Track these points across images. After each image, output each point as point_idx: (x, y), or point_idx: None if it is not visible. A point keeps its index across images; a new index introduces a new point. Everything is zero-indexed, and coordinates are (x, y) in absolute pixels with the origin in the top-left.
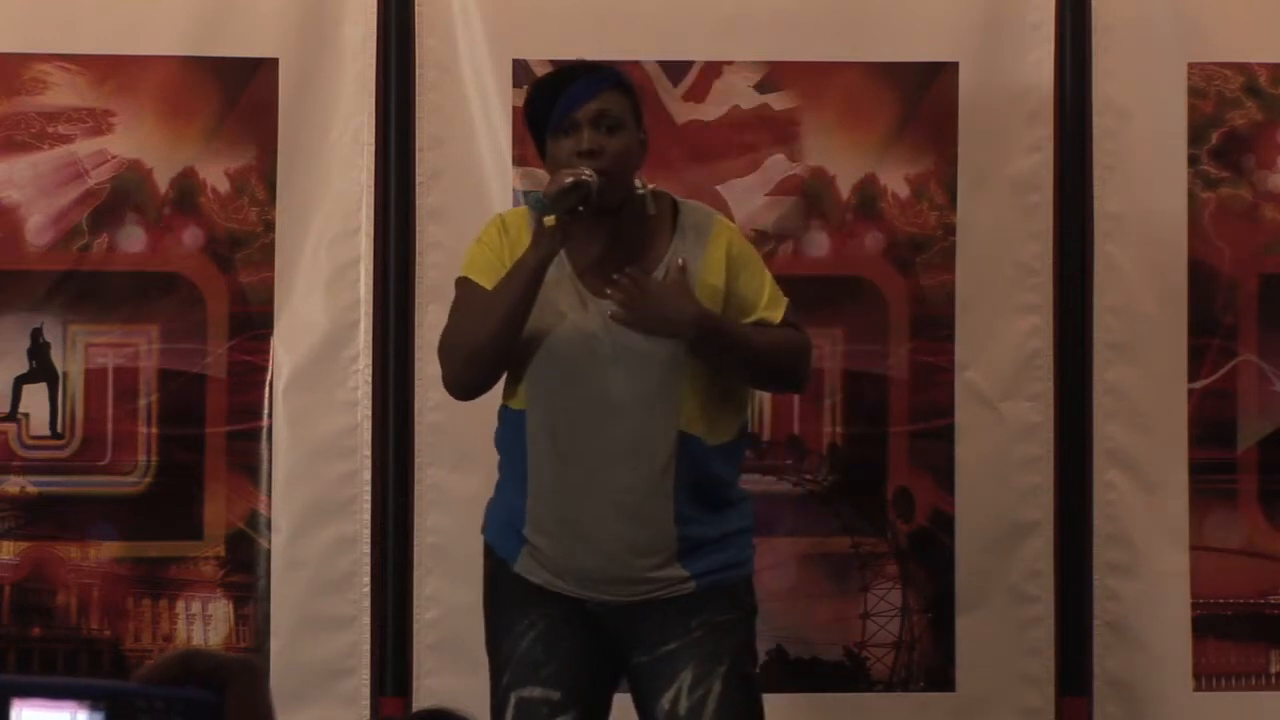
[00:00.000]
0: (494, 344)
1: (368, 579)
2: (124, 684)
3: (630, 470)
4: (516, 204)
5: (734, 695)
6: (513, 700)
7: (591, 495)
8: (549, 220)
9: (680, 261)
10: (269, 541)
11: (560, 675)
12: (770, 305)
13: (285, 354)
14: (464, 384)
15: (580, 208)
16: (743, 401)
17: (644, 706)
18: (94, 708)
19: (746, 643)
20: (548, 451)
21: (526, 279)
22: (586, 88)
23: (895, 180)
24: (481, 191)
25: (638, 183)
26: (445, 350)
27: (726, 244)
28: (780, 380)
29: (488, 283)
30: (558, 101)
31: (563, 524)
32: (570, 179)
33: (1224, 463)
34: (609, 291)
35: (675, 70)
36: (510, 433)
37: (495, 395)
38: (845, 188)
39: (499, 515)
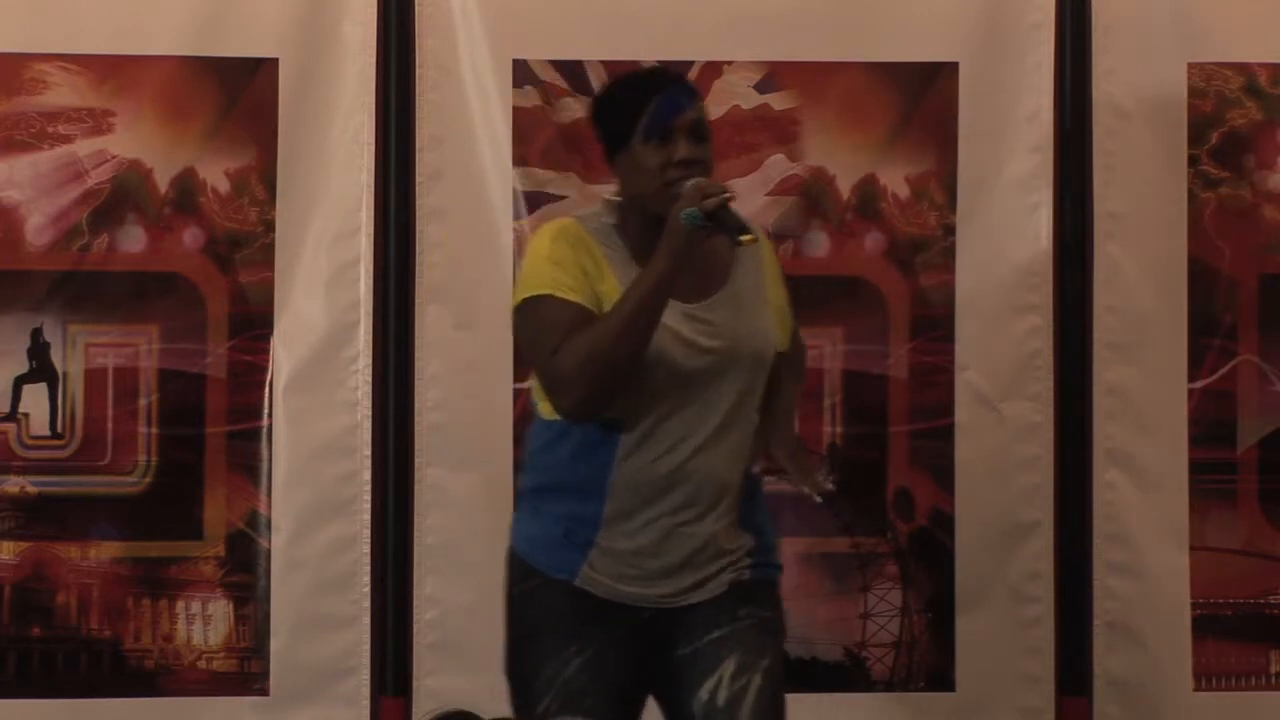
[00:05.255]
0: (633, 357)
1: (368, 579)
2: None
3: (721, 459)
4: (516, 203)
5: (769, 695)
6: None
7: (682, 485)
8: (747, 239)
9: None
10: (269, 541)
11: (602, 706)
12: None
13: (285, 354)
14: (597, 402)
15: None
16: None
17: (682, 700)
18: None
19: (781, 644)
20: (641, 450)
21: (661, 289)
22: (682, 96)
23: (895, 180)
24: (481, 191)
25: None
26: (568, 373)
27: (772, 256)
28: None
29: (582, 299)
30: (649, 106)
31: (650, 517)
32: (726, 195)
33: (1224, 463)
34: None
35: (675, 70)
36: (582, 441)
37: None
38: (845, 188)
39: (546, 531)
